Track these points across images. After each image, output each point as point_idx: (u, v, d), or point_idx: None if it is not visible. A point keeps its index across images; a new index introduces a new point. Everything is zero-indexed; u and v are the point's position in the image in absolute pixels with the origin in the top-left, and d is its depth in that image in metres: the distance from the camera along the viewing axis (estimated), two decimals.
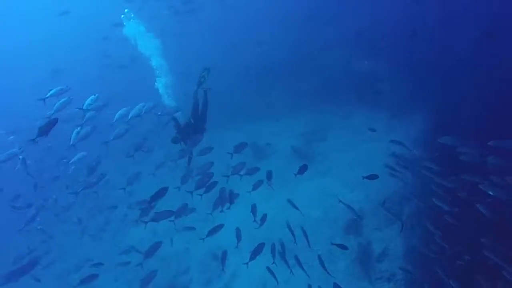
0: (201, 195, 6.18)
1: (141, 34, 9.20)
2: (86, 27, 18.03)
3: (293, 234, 5.96)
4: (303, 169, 6.61)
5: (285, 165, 9.25)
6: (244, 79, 14.00)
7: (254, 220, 6.05)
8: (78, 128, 6.46)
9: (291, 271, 5.49)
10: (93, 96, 6.96)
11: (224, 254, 6.40)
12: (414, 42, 11.45)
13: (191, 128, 6.51)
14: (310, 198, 7.82)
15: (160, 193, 5.81)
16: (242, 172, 6.49)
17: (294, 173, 6.16)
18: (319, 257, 5.66)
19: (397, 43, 12.05)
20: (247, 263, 5.52)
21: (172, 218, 6.05)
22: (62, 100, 6.14)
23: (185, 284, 7.64)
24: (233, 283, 7.18)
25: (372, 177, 6.34)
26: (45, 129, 5.28)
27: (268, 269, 5.68)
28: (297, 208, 6.24)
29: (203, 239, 6.37)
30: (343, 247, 5.48)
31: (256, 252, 5.66)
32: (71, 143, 6.27)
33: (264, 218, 6.46)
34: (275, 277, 5.58)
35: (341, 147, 8.94)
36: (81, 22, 19.54)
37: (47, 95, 6.09)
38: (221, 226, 6.56)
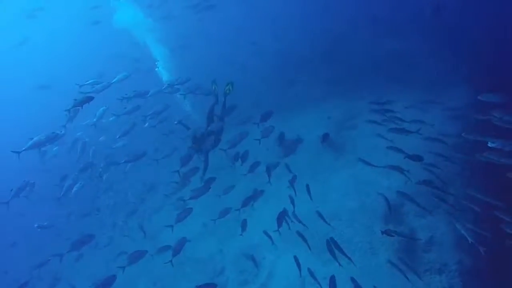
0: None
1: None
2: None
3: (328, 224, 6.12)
4: (325, 137, 7.35)
5: (315, 157, 8.89)
6: (268, 73, 13.79)
7: (311, 199, 6.39)
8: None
9: (339, 263, 5.16)
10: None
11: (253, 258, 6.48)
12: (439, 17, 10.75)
13: (206, 139, 6.50)
14: (344, 189, 7.40)
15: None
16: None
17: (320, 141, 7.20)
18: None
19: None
20: (277, 230, 5.88)
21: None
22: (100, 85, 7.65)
23: (222, 285, 7.53)
24: (270, 282, 6.94)
25: (416, 158, 5.91)
26: (80, 103, 6.61)
27: (295, 259, 5.64)
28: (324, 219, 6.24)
29: (241, 234, 6.58)
30: (392, 233, 5.19)
31: (280, 218, 5.91)
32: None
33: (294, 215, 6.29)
34: (313, 277, 5.33)
35: (373, 133, 8.41)
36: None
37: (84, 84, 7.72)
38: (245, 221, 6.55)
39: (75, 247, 7.16)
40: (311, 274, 5.45)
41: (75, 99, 6.72)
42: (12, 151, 6.60)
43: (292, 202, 6.40)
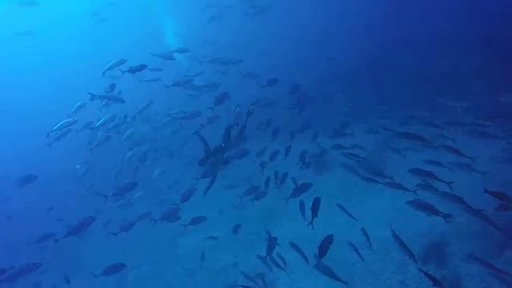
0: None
1: None
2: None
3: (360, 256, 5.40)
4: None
5: (350, 178, 8.10)
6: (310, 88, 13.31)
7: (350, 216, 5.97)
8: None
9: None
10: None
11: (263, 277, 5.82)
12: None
13: (220, 153, 6.46)
14: (378, 216, 6.54)
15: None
16: None
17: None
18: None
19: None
20: (310, 223, 5.20)
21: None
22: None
23: None
24: None
25: (499, 196, 4.64)
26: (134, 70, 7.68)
27: None
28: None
29: (265, 257, 5.75)
30: (434, 280, 4.19)
31: (315, 207, 5.21)
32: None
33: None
34: None
35: (418, 158, 7.47)
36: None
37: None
38: (275, 240, 5.83)
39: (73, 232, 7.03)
40: None
41: (130, 67, 7.62)
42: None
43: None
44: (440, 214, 4.83)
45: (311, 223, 5.18)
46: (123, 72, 7.74)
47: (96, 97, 8.19)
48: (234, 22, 18.05)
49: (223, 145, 6.49)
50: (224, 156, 6.50)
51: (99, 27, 22.61)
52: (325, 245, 4.82)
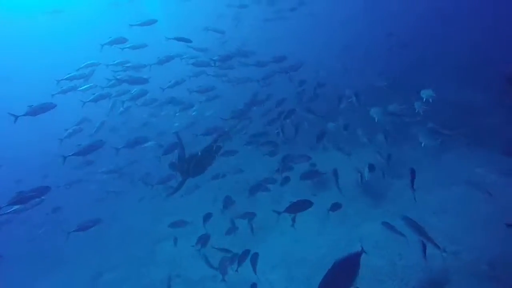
0: None
1: None
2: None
3: None
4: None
5: (350, 199, 7.60)
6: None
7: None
8: None
9: None
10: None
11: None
12: None
13: (193, 162, 6.21)
14: (373, 242, 6.00)
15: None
16: None
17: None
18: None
19: None
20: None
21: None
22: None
23: None
24: None
25: None
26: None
27: None
28: None
29: (236, 270, 5.46)
30: None
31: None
32: None
33: None
34: None
35: (423, 186, 6.99)
36: None
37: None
38: (256, 255, 5.42)
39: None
40: None
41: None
42: None
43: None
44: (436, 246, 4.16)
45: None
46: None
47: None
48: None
49: (199, 154, 6.29)
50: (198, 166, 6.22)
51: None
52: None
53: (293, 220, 5.82)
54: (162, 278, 7.36)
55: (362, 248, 4.56)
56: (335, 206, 5.95)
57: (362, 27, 18.68)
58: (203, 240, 6.22)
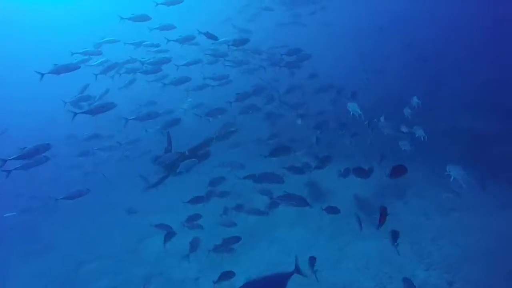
0: None
1: None
2: None
3: None
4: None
5: (343, 216, 7.38)
6: None
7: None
8: None
9: None
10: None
11: None
12: None
13: (180, 159, 6.21)
14: (363, 262, 5.78)
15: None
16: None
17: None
18: None
19: None
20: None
21: None
22: None
23: None
24: None
25: None
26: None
27: None
28: None
29: (214, 282, 5.25)
30: None
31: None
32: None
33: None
34: None
35: (423, 210, 6.79)
36: None
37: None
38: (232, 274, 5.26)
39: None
40: None
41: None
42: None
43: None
44: None
45: None
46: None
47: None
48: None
49: (186, 153, 6.31)
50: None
51: None
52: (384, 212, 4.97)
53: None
54: (144, 275, 7.17)
55: (296, 267, 4.49)
56: (331, 209, 5.94)
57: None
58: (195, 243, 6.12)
